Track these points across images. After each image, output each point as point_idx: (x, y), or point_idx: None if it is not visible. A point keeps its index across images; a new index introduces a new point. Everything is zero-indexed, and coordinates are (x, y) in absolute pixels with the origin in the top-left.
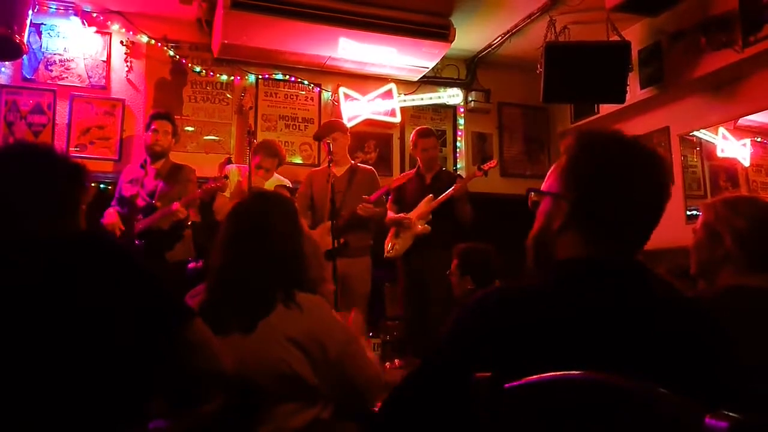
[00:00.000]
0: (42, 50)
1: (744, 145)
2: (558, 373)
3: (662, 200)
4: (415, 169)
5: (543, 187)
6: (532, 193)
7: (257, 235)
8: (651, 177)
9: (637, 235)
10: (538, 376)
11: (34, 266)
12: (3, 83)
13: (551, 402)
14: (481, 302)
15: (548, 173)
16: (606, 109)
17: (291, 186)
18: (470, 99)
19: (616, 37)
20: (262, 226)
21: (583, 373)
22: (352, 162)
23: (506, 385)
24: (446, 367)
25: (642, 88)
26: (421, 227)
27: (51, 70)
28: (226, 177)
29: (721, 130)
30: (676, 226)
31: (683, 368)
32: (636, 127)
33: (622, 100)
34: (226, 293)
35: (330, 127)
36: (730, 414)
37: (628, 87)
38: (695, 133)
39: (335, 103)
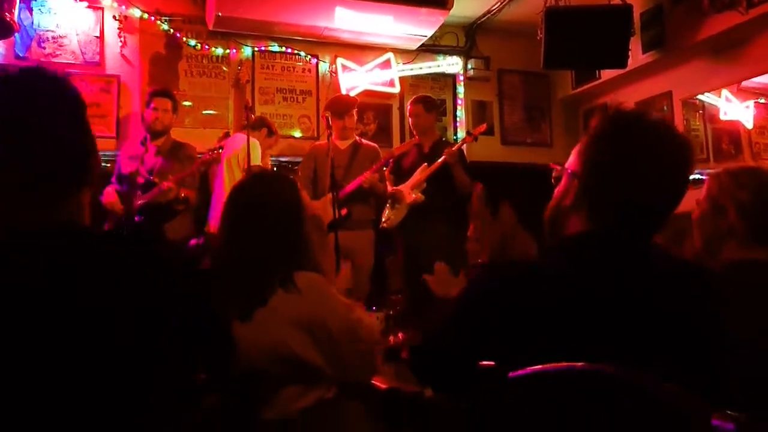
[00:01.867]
0: (34, 27)
1: (747, 107)
2: (561, 364)
3: (680, 186)
4: (416, 138)
5: (566, 163)
6: (555, 168)
7: (255, 217)
8: (670, 162)
9: (649, 218)
10: (542, 366)
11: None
12: None
13: (554, 392)
14: (490, 278)
15: (573, 149)
16: (607, 74)
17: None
18: (470, 67)
19: (617, 1)
20: (260, 208)
21: (586, 365)
22: (357, 138)
23: (510, 374)
24: (461, 336)
25: (644, 52)
26: (414, 196)
27: (44, 48)
28: (221, 148)
29: (724, 92)
30: None
31: (680, 351)
32: (638, 92)
33: (623, 65)
34: (225, 277)
35: (348, 103)
36: (735, 414)
37: (629, 51)
38: (698, 96)
39: (333, 75)
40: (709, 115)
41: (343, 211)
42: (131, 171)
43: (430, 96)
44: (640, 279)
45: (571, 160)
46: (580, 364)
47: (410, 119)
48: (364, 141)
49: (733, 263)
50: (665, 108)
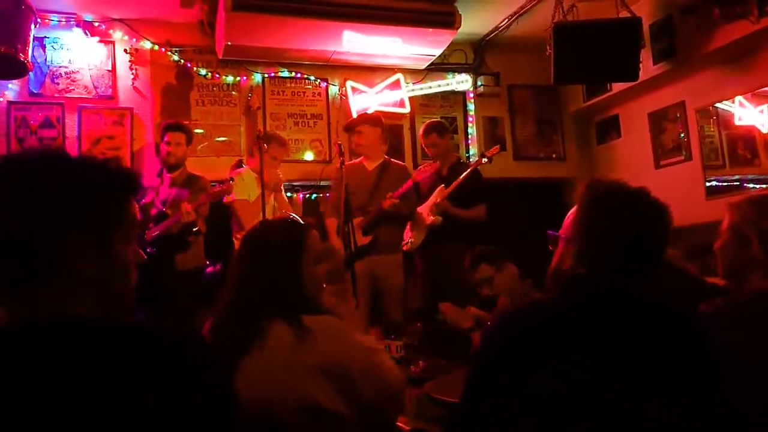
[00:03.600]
0: (47, 64)
1: (762, 111)
2: None
3: (661, 244)
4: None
5: (560, 231)
6: (551, 235)
7: (252, 259)
8: (651, 225)
9: (640, 270)
10: None
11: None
12: (11, 99)
13: None
14: (504, 322)
15: (565, 218)
16: (618, 86)
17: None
18: (479, 83)
19: (626, 13)
20: (257, 250)
21: None
22: (386, 157)
23: None
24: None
25: (655, 63)
26: (432, 218)
27: (57, 83)
28: (232, 179)
29: (738, 97)
30: (694, 202)
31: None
32: (650, 103)
33: (635, 78)
34: (232, 326)
35: (358, 119)
36: None
37: (640, 63)
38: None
39: (343, 97)
40: (724, 121)
41: (365, 240)
42: (146, 202)
43: (439, 121)
44: (630, 315)
45: (565, 228)
46: None
47: (428, 150)
48: (393, 160)
49: (757, 293)
50: (678, 117)
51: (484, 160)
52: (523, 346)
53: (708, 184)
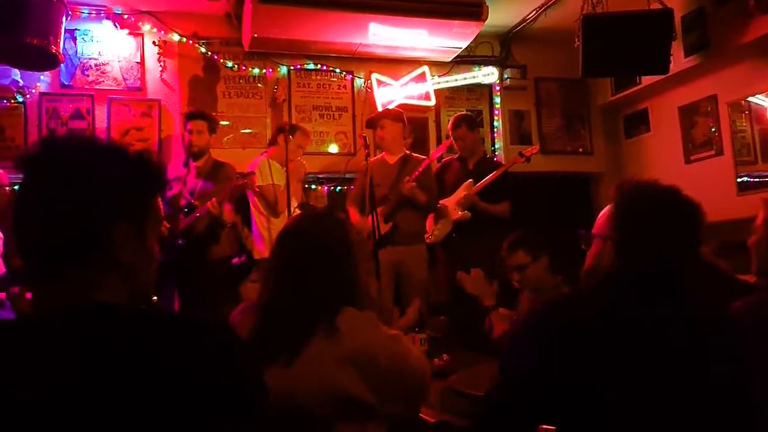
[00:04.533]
0: (78, 56)
1: None
2: None
3: (693, 238)
4: (458, 153)
5: (593, 230)
6: (582, 234)
7: (307, 261)
8: (686, 222)
9: (678, 267)
10: None
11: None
12: (43, 91)
13: None
14: (549, 314)
15: (598, 218)
16: (648, 79)
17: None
18: (506, 76)
19: (656, 5)
20: (310, 248)
21: None
22: (407, 151)
23: None
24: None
25: (686, 56)
26: (460, 214)
27: (87, 75)
28: (252, 172)
29: None
30: (725, 198)
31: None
32: (680, 97)
33: (665, 71)
34: (273, 320)
35: (381, 114)
36: None
37: (671, 56)
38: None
39: (368, 90)
40: (756, 115)
41: (387, 227)
42: (174, 193)
43: (468, 114)
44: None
45: (600, 226)
46: None
47: (455, 144)
48: (414, 154)
49: None
50: (710, 111)
51: (523, 159)
52: (570, 340)
53: (739, 179)
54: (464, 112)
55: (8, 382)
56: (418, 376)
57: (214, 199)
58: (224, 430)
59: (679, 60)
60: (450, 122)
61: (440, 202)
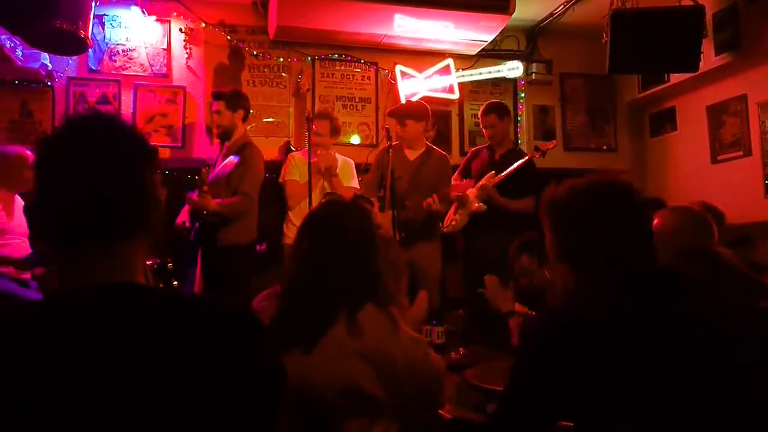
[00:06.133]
0: (105, 41)
1: None
2: None
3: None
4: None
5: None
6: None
7: (329, 247)
8: (621, 212)
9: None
10: None
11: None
12: (71, 75)
13: None
14: (560, 318)
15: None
16: (676, 77)
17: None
18: (531, 71)
19: (688, 1)
20: (334, 237)
21: None
22: (428, 144)
23: None
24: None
25: (717, 54)
26: (477, 205)
27: (115, 61)
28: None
29: None
30: (753, 200)
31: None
32: (709, 96)
33: (695, 69)
34: (294, 308)
35: (405, 111)
36: None
37: (701, 54)
38: None
39: (392, 82)
40: None
41: (402, 234)
42: (210, 178)
43: (499, 102)
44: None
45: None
46: None
47: (485, 132)
48: (435, 149)
49: None
50: (738, 111)
51: (538, 154)
52: (574, 342)
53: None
54: (496, 100)
55: (8, 381)
56: (433, 381)
57: (206, 189)
58: (241, 416)
59: (709, 58)
60: (480, 109)
61: (464, 192)
